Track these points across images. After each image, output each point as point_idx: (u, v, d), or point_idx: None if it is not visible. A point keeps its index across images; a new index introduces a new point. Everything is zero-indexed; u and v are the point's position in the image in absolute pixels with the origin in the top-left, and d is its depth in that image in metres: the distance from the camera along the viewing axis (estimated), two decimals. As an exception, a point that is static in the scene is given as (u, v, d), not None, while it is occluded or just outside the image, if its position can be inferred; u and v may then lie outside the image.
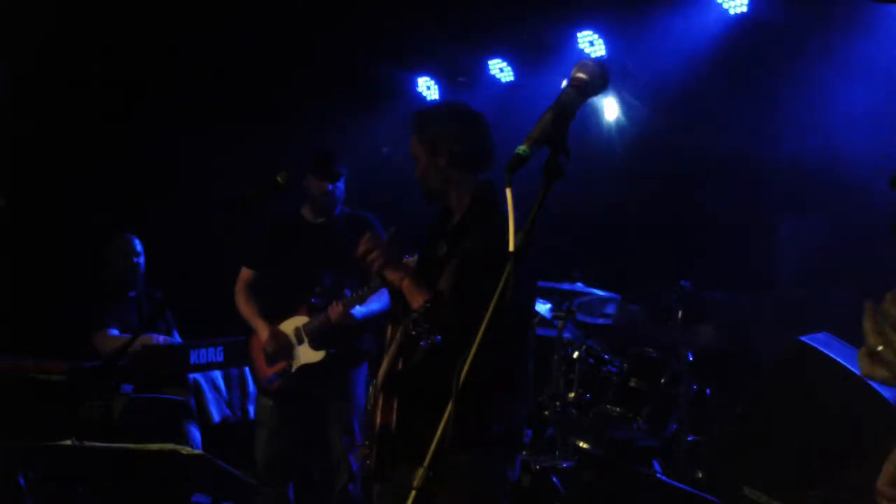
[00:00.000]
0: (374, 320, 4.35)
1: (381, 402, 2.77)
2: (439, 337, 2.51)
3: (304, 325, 4.26)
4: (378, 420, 2.75)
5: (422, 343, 2.52)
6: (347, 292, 4.12)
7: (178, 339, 5.49)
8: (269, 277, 4.50)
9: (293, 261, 4.40)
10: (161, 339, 5.24)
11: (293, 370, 4.28)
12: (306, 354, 4.26)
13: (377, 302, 4.26)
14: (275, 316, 4.36)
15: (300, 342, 4.27)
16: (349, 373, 4.35)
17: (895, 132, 4.15)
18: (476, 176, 2.97)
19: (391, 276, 2.83)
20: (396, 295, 2.89)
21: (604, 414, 4.57)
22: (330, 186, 4.36)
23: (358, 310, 4.16)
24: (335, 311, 4.10)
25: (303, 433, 4.37)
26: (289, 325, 4.32)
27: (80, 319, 5.36)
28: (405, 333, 2.63)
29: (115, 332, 5.24)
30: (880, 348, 1.08)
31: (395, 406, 2.75)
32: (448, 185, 2.97)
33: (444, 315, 2.61)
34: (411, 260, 3.11)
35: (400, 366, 2.74)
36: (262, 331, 4.34)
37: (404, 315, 2.84)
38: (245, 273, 4.53)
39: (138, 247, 5.49)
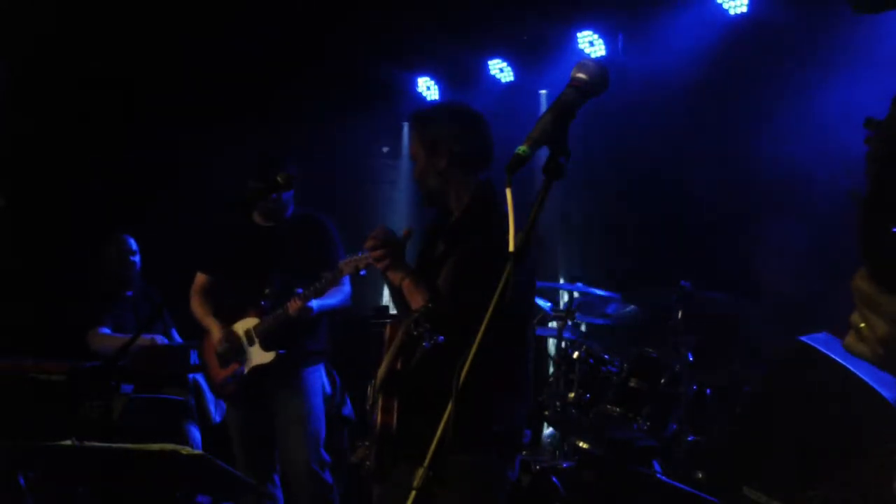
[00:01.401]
0: (329, 316, 4.36)
1: (380, 402, 2.77)
2: (442, 337, 2.50)
3: (255, 327, 4.28)
4: (378, 420, 2.75)
5: (424, 344, 2.51)
6: (299, 290, 4.13)
7: (176, 338, 5.48)
8: (221, 281, 4.52)
9: (244, 264, 4.41)
10: (158, 339, 5.23)
11: (245, 372, 4.29)
12: (257, 356, 4.27)
13: (333, 297, 4.28)
14: (227, 319, 4.38)
15: (251, 344, 4.28)
16: (302, 372, 4.35)
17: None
18: (476, 176, 2.96)
19: (392, 275, 2.82)
20: (397, 294, 2.89)
21: (604, 414, 4.57)
22: (273, 194, 4.31)
23: (315, 303, 4.18)
24: (293, 305, 4.12)
25: (261, 435, 4.36)
26: (239, 328, 4.33)
27: (76, 318, 5.36)
28: (406, 334, 2.61)
29: (106, 330, 5.24)
30: (862, 325, 1.11)
31: (396, 406, 2.74)
32: (447, 186, 2.96)
33: (445, 315, 2.60)
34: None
35: (399, 366, 2.73)
36: (215, 331, 4.36)
37: (405, 315, 2.84)
38: (200, 278, 4.57)
39: (133, 246, 5.50)
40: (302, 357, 4.36)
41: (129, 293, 5.46)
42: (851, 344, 1.14)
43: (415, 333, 2.53)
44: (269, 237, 4.43)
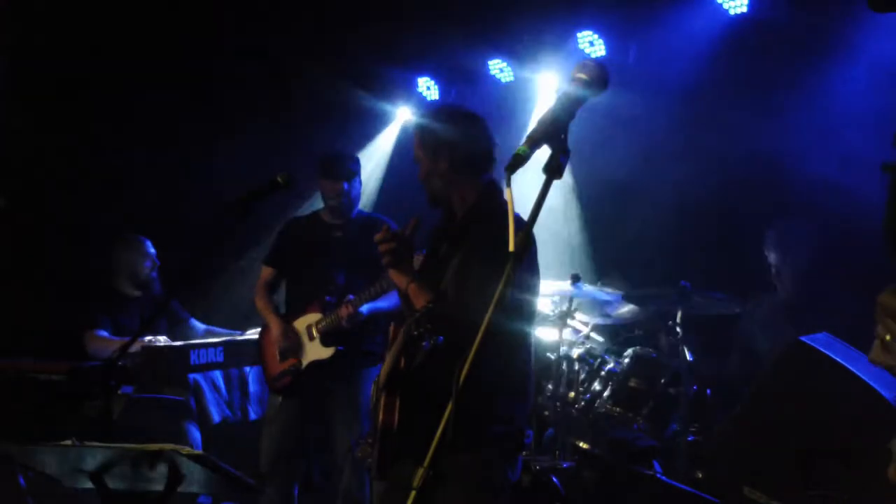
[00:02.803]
0: (382, 318, 4.38)
1: (382, 401, 2.77)
2: (441, 338, 2.51)
3: (317, 323, 4.34)
4: (380, 419, 2.75)
5: (423, 344, 2.51)
6: (350, 297, 4.18)
7: (198, 326, 5.51)
8: (287, 276, 4.57)
9: (310, 260, 4.49)
10: (161, 340, 5.23)
11: (303, 367, 4.32)
12: (316, 351, 4.32)
13: (388, 299, 4.31)
14: (291, 313, 4.44)
15: (311, 339, 4.34)
16: (361, 372, 4.38)
17: None
18: (478, 178, 2.97)
19: (396, 278, 2.84)
20: (404, 298, 2.89)
21: (604, 414, 4.57)
22: (346, 185, 4.41)
23: (365, 307, 4.22)
24: (344, 311, 4.18)
25: (310, 431, 4.40)
26: (302, 323, 4.40)
27: (73, 320, 5.35)
28: (407, 334, 2.62)
29: (103, 333, 5.23)
30: (888, 338, 1.12)
31: (397, 405, 2.75)
32: (450, 188, 2.97)
33: (446, 316, 2.60)
34: (419, 257, 3.13)
35: (402, 365, 2.74)
36: (275, 326, 4.41)
37: (408, 316, 2.84)
38: (265, 272, 4.67)
39: (150, 249, 5.50)
40: (362, 356, 4.39)
41: (140, 295, 5.43)
42: (877, 356, 1.15)
43: (415, 333, 2.53)
44: (336, 235, 4.48)
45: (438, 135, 2.98)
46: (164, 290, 5.56)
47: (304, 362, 4.34)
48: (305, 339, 4.36)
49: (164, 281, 5.55)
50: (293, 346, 4.35)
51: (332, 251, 4.46)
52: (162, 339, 5.23)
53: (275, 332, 4.42)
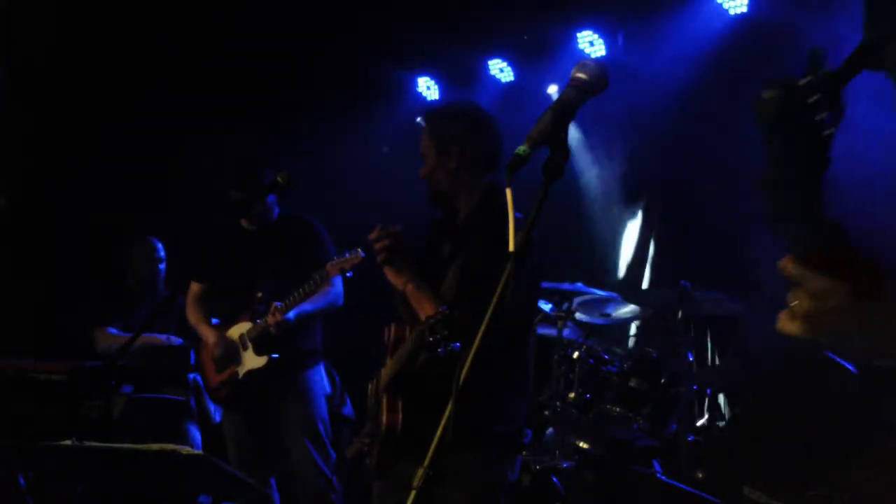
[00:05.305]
0: (316, 318, 4.34)
1: (385, 402, 2.76)
2: (458, 344, 2.47)
3: (248, 332, 4.30)
4: (384, 419, 2.74)
5: (439, 350, 2.48)
6: (277, 304, 4.13)
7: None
8: (215, 288, 4.56)
9: (236, 270, 4.44)
10: (164, 338, 5.23)
11: (240, 377, 4.30)
12: (250, 360, 4.28)
13: (317, 301, 4.26)
14: (223, 325, 4.42)
15: (245, 348, 4.30)
16: (302, 374, 4.35)
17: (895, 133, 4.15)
18: (484, 177, 2.95)
19: (393, 278, 2.81)
20: (400, 297, 2.88)
21: (604, 414, 4.57)
22: (270, 196, 4.31)
23: (292, 313, 4.17)
24: (271, 319, 4.13)
25: (261, 438, 4.37)
26: (235, 332, 4.36)
27: (82, 317, 5.36)
28: (421, 338, 2.57)
29: (114, 330, 5.25)
30: (794, 304, 1.14)
31: (401, 405, 2.74)
32: (456, 186, 2.94)
33: (463, 323, 2.57)
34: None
35: (407, 368, 2.71)
36: (209, 337, 4.39)
37: (408, 318, 2.83)
38: (194, 287, 4.62)
39: (161, 251, 5.50)
40: (301, 358, 4.35)
41: (150, 296, 5.43)
42: (783, 323, 1.16)
43: (430, 340, 2.49)
44: (258, 242, 4.43)
45: (449, 130, 2.94)
46: (170, 291, 5.55)
47: (241, 372, 4.31)
48: (240, 348, 4.32)
49: (170, 282, 5.55)
50: (228, 355, 4.31)
51: (254, 258, 4.40)
52: (164, 338, 5.23)
53: (209, 341, 4.38)
